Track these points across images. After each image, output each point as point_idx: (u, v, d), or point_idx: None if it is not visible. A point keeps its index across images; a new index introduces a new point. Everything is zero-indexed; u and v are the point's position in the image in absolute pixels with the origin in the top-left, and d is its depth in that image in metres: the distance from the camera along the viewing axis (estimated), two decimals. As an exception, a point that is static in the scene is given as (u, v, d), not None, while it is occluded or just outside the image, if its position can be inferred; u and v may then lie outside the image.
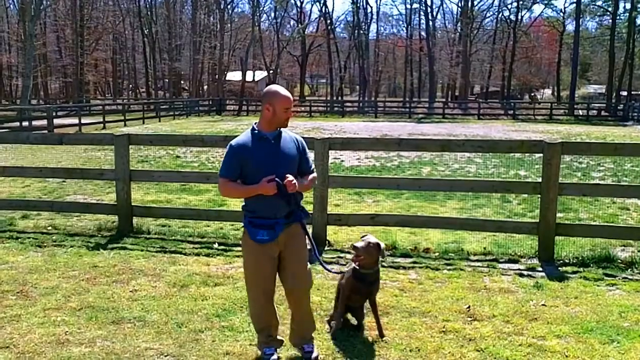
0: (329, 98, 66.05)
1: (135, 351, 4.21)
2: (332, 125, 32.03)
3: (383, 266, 6.27)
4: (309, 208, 7.81)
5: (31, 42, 34.21)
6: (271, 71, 63.06)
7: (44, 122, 26.25)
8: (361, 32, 66.99)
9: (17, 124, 26.61)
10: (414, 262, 6.48)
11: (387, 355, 4.19)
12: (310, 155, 4.04)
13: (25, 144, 15.31)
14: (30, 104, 36.90)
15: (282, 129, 3.99)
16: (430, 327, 4.69)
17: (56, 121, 27.05)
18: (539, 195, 6.66)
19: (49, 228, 7.98)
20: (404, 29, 73.24)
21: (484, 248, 7.04)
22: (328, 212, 7.22)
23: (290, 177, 3.79)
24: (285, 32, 72.78)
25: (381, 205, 9.73)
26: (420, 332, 4.60)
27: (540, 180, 6.68)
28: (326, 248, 7.02)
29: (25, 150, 17.82)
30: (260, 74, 70.07)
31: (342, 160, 15.56)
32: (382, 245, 4.42)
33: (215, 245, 7.13)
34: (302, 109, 48.43)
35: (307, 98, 62.59)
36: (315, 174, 4.11)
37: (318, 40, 69.93)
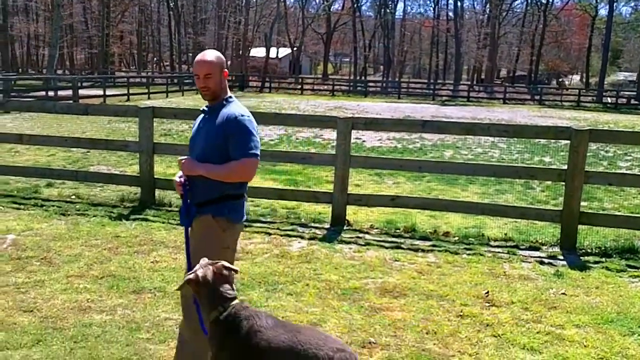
0: (352, 77, 65.68)
1: (155, 321, 4.26)
2: (355, 105, 31.86)
3: (402, 248, 6.28)
4: (330, 187, 7.85)
5: (58, 12, 34.35)
6: (295, 48, 62.75)
7: (69, 92, 26.44)
8: (387, 10, 66.22)
9: (43, 93, 26.86)
10: (433, 245, 6.46)
11: (404, 337, 4.20)
12: (251, 138, 3.21)
13: (51, 113, 15.42)
14: (56, 74, 37.18)
15: (227, 103, 3.35)
16: (448, 310, 4.69)
17: (81, 92, 27.24)
18: (564, 183, 6.58)
19: (73, 197, 8.08)
20: (432, 8, 72.29)
21: (505, 234, 6.99)
22: (348, 192, 7.21)
23: (182, 158, 3.27)
24: (310, 9, 72.13)
25: (401, 187, 9.69)
26: (437, 315, 4.60)
27: (565, 167, 6.59)
28: (345, 228, 7.02)
29: (50, 120, 18.01)
30: (284, 51, 69.78)
31: (364, 141, 15.50)
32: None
33: (236, 221, 7.16)
34: (325, 87, 48.14)
35: (330, 77, 62.22)
36: (241, 162, 3.19)
37: (343, 18, 69.28)
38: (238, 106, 3.35)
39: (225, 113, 3.28)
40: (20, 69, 59.28)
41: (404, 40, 73.02)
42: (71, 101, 24.36)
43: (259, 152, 3.26)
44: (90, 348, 3.82)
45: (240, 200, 3.35)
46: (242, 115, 3.27)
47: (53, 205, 7.54)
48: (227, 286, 2.70)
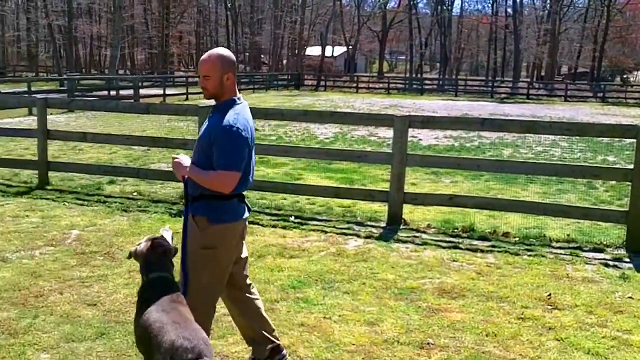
0: (407, 75, 65.10)
1: (215, 316, 4.31)
2: (410, 103, 31.60)
3: (460, 248, 6.18)
4: (386, 186, 7.80)
5: (120, 13, 35.42)
6: (350, 46, 62.68)
7: (130, 91, 27.21)
8: (444, 7, 65.34)
9: (105, 92, 27.74)
10: (492, 246, 6.33)
11: (463, 339, 4.12)
12: (232, 151, 3.13)
13: (114, 111, 15.92)
14: (117, 74, 38.32)
15: (229, 106, 3.27)
16: (508, 312, 4.58)
17: (141, 91, 27.97)
18: (630, 183, 6.32)
19: (134, 194, 8.30)
20: (490, 5, 70.90)
21: (567, 235, 6.78)
22: (405, 191, 7.14)
23: (176, 156, 3.29)
24: (366, 7, 71.89)
25: (459, 186, 9.53)
26: (497, 317, 4.50)
27: (632, 167, 6.33)
28: (401, 227, 6.95)
29: (112, 119, 18.57)
30: (339, 50, 69.83)
31: (420, 139, 15.33)
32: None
33: (292, 219, 7.21)
34: (380, 85, 47.93)
35: (385, 75, 61.87)
36: (218, 174, 3.14)
37: (399, 16, 68.75)
38: (236, 113, 3.23)
39: (220, 118, 3.20)
40: (83, 69, 61.43)
41: (461, 37, 71.87)
42: (132, 100, 25.06)
43: (238, 167, 3.16)
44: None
45: (223, 202, 3.25)
46: (231, 127, 3.15)
47: (115, 202, 7.76)
48: (157, 260, 3.09)
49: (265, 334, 3.58)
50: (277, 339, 3.64)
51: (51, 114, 8.82)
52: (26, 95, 21.21)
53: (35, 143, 8.79)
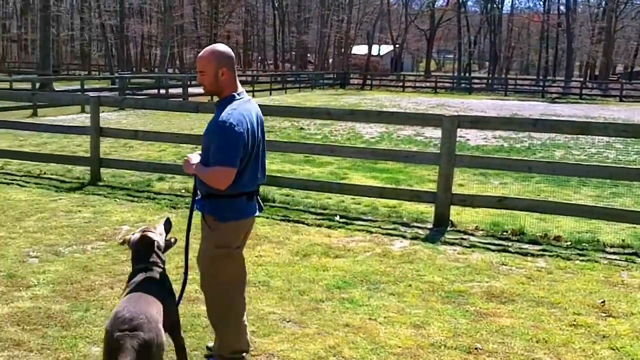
0: (455, 74, 64.25)
1: (260, 314, 4.34)
2: (458, 103, 31.16)
3: (509, 251, 6.04)
4: (433, 187, 7.69)
5: (170, 13, 36.06)
6: (397, 45, 62.27)
7: (179, 90, 27.64)
8: (494, 5, 64.21)
9: (155, 91, 28.28)
10: (543, 250, 6.16)
11: (512, 344, 4.02)
12: (225, 147, 3.14)
13: (164, 110, 16.17)
14: (167, 73, 39.00)
15: (221, 101, 3.31)
16: (559, 319, 4.44)
17: (190, 90, 28.37)
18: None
19: (182, 191, 8.41)
20: (541, 3, 69.40)
21: (622, 240, 6.54)
22: (452, 192, 7.03)
23: (187, 155, 3.38)
24: (413, 6, 71.25)
25: (508, 188, 9.33)
26: (548, 323, 4.37)
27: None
28: (448, 229, 6.84)
29: (161, 117, 18.89)
30: (386, 48, 69.42)
31: (468, 139, 15.09)
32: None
33: (337, 218, 7.18)
34: (427, 84, 47.45)
35: (432, 74, 61.22)
36: (212, 170, 3.17)
37: (447, 14, 67.89)
38: (232, 108, 3.22)
39: (218, 115, 3.22)
40: (134, 68, 62.83)
41: (511, 36, 70.48)
42: (181, 99, 25.46)
43: (232, 162, 3.15)
44: (199, 338, 3.94)
45: (230, 200, 3.27)
46: (224, 122, 3.14)
47: (164, 199, 7.89)
48: (144, 253, 3.23)
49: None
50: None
51: (103, 111, 9.03)
52: (79, 93, 21.81)
53: (88, 140, 9.00)
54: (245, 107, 3.28)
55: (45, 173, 9.38)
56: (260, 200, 3.49)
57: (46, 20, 30.61)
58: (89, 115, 9.28)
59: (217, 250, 3.32)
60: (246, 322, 3.57)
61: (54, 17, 43.07)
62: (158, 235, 3.35)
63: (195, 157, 3.32)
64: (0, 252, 5.35)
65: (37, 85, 23.77)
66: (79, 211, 7.08)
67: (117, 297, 4.52)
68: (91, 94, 16.08)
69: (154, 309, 2.88)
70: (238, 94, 3.31)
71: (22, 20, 71.11)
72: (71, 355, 3.64)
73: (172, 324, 3.16)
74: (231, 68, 3.29)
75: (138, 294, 2.99)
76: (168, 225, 3.47)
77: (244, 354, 3.52)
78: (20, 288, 4.60)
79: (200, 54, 3.33)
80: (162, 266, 3.28)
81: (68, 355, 3.64)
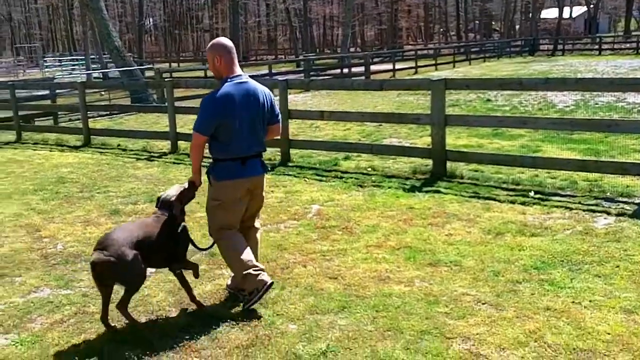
0: (662, 30, 57.40)
1: (453, 295, 4.21)
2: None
3: None
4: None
5: (351, -7, 36.47)
6: (591, 6, 57.11)
7: (361, 68, 27.98)
8: None
9: (338, 71, 28.93)
10: None
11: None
12: (199, 114, 4.02)
13: (350, 89, 16.48)
14: (349, 52, 39.66)
15: (219, 81, 4.14)
16: None
17: (372, 67, 28.62)
18: None
19: (369, 169, 8.49)
20: None
21: None
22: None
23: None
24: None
25: None
26: None
27: None
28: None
29: (345, 96, 19.24)
30: (578, 10, 64.18)
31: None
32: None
33: (531, 194, 6.76)
34: (627, 46, 42.77)
35: (633, 33, 55.19)
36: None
37: (652, -36, 60.80)
38: (218, 89, 3.95)
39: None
40: (317, 49, 64.83)
41: None
42: (363, 77, 25.77)
43: (200, 129, 3.94)
44: (391, 318, 3.92)
45: (219, 163, 4.04)
46: (206, 99, 3.98)
47: (351, 177, 8.02)
48: (174, 202, 4.04)
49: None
50: (262, 270, 4.10)
51: (290, 93, 9.38)
52: (267, 77, 22.98)
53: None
54: (235, 87, 3.94)
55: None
56: (259, 164, 4.15)
57: (235, 9, 32.70)
58: (278, 98, 9.70)
59: (212, 202, 4.13)
60: (256, 264, 4.09)
61: (242, 5, 45.86)
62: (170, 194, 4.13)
63: None
64: (202, 231, 5.75)
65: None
66: (272, 191, 7.42)
67: (310, 276, 4.69)
68: (279, 77, 16.84)
69: (128, 236, 3.69)
70: (231, 78, 3.99)
71: (212, 11, 76.84)
72: (270, 332, 3.81)
73: (168, 257, 4.00)
74: (226, 56, 4.00)
75: (126, 224, 4.18)
76: (190, 188, 4.16)
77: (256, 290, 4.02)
78: (221, 266, 4.91)
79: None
80: (170, 214, 4.02)
81: (267, 332, 3.81)
